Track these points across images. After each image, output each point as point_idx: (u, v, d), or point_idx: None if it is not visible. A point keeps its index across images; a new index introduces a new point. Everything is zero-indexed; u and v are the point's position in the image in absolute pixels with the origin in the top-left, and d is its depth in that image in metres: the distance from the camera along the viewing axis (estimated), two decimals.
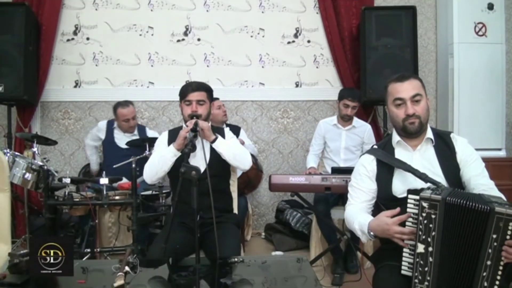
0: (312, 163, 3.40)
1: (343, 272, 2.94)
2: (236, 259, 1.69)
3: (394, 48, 3.75)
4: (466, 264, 1.43)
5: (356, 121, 3.42)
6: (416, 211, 1.50)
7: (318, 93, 4.25)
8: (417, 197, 1.49)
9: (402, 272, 1.55)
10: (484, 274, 1.40)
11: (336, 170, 2.91)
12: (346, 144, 3.35)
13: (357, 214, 1.74)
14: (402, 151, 1.79)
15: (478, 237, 1.41)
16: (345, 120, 3.36)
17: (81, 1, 4.04)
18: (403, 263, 1.55)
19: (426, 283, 1.46)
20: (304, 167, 4.19)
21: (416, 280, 1.48)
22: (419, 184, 1.63)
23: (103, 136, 3.58)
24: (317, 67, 4.27)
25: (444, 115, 4.05)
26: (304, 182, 2.64)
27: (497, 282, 1.39)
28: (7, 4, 3.71)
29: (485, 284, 1.40)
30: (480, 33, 3.86)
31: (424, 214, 1.46)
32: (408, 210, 1.53)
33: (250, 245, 3.75)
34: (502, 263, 1.38)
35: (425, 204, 1.46)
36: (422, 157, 1.75)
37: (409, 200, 1.53)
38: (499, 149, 3.86)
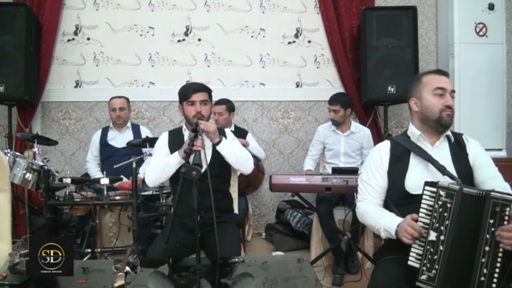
0: (309, 166, 3.45)
1: (343, 272, 2.93)
2: (236, 259, 1.69)
3: (395, 49, 3.74)
4: (473, 252, 1.44)
5: (355, 126, 3.42)
6: (431, 202, 1.51)
7: (319, 93, 4.24)
8: (434, 189, 1.50)
9: (409, 263, 1.53)
10: (483, 260, 1.41)
11: (337, 171, 2.92)
12: (345, 149, 3.37)
13: (383, 212, 1.73)
14: (421, 146, 1.77)
15: (478, 224, 1.43)
16: (334, 125, 3.37)
17: (81, 1, 4.04)
18: (411, 253, 1.54)
19: (433, 271, 1.46)
20: None
21: (424, 268, 1.47)
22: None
23: (98, 144, 3.58)
24: (317, 67, 4.26)
25: None
26: (305, 182, 2.64)
27: (497, 269, 1.39)
28: (8, 4, 3.72)
29: (484, 271, 1.40)
30: (481, 33, 3.86)
31: (440, 203, 1.48)
32: (423, 202, 1.53)
33: (250, 245, 3.75)
34: (501, 249, 1.39)
35: (442, 193, 1.48)
36: (438, 154, 1.74)
37: (425, 192, 1.53)
38: (500, 150, 3.86)
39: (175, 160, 2.13)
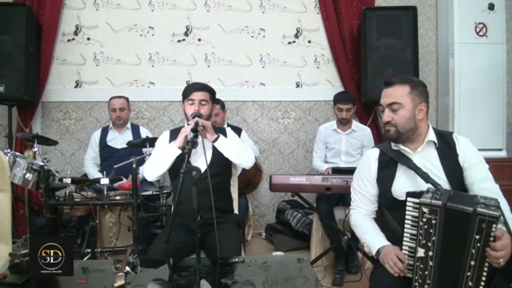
0: (325, 165, 3.39)
1: (344, 269, 2.94)
2: (236, 259, 1.69)
3: (395, 49, 3.75)
4: (460, 266, 1.44)
5: (356, 124, 3.44)
6: (414, 213, 1.52)
7: (319, 93, 4.24)
8: (417, 200, 1.50)
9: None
10: (468, 274, 1.41)
11: (337, 170, 2.92)
12: (346, 148, 3.38)
13: (370, 228, 1.77)
14: (403, 152, 1.78)
15: (465, 239, 1.42)
16: (343, 124, 3.39)
17: (81, 1, 4.04)
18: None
19: (426, 286, 1.47)
20: (305, 168, 4.22)
21: (416, 284, 1.49)
22: (419, 187, 1.63)
23: (98, 144, 3.58)
24: (317, 67, 4.26)
25: (445, 116, 4.05)
26: (305, 182, 2.64)
27: (482, 283, 1.39)
28: (8, 5, 3.72)
29: (470, 284, 1.41)
30: (481, 33, 3.86)
31: (424, 219, 1.47)
32: (407, 213, 1.54)
33: (250, 245, 3.75)
34: (486, 264, 1.39)
35: (425, 210, 1.47)
36: (423, 158, 1.73)
37: (408, 203, 1.54)
38: (500, 150, 3.86)
39: (170, 150, 2.15)
